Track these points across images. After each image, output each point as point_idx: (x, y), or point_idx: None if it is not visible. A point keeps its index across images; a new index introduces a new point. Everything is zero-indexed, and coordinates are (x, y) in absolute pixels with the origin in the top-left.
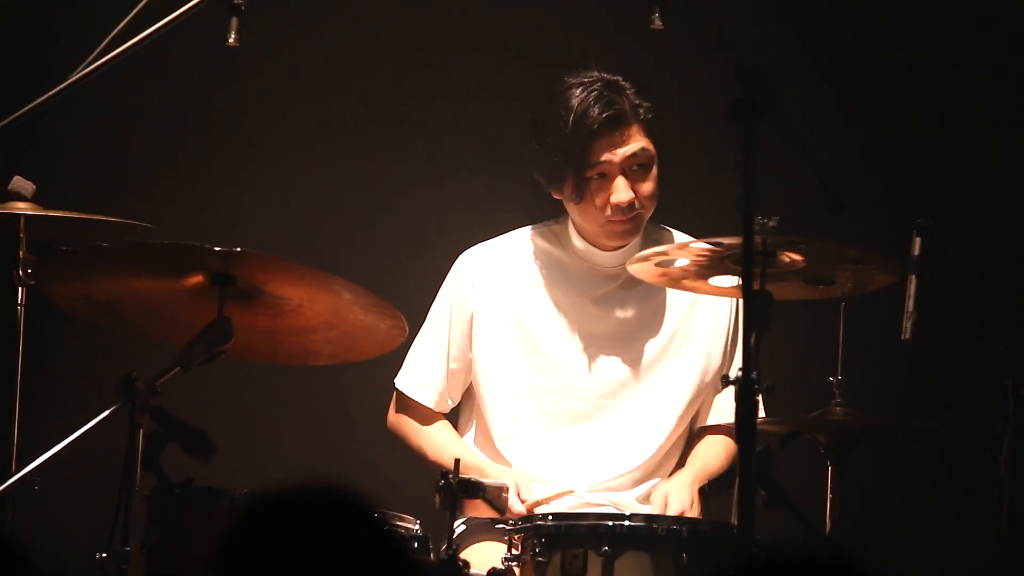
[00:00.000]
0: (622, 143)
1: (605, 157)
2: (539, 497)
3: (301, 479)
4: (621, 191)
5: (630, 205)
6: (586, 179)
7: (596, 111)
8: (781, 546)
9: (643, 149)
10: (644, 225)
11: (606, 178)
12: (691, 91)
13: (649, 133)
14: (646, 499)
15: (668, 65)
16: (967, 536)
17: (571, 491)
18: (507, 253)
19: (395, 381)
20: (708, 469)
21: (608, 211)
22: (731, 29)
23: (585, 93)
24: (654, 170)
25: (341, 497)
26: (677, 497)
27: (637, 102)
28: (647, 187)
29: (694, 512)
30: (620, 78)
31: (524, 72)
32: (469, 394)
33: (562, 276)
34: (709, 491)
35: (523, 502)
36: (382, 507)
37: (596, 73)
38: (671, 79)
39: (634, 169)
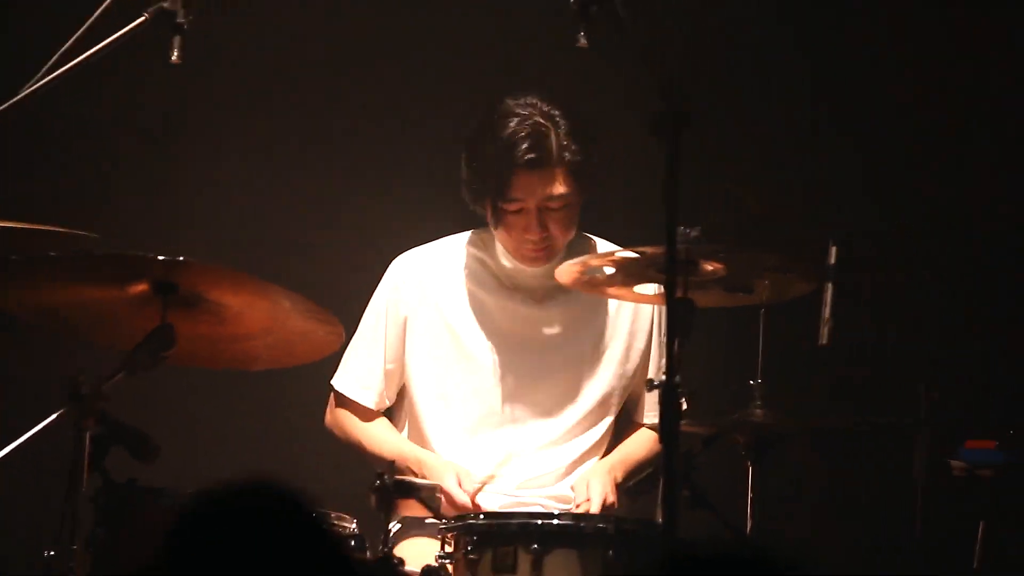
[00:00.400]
0: (541, 186)
1: (522, 195)
2: (476, 486)
3: (238, 477)
4: (533, 228)
5: (543, 238)
6: (502, 208)
7: (522, 150)
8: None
9: (562, 194)
10: (559, 252)
11: (521, 213)
12: (617, 101)
13: (572, 175)
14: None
15: (595, 75)
16: (882, 536)
17: (492, 477)
18: (439, 259)
19: (332, 382)
20: (630, 457)
21: (521, 240)
22: (654, 42)
23: (516, 127)
24: (572, 200)
25: (277, 494)
26: (598, 481)
27: (565, 143)
28: (561, 224)
29: (613, 496)
30: (558, 113)
31: (459, 81)
32: (401, 396)
33: (491, 282)
34: (635, 490)
35: (466, 492)
36: (319, 506)
37: (535, 102)
38: (599, 89)
39: (551, 208)
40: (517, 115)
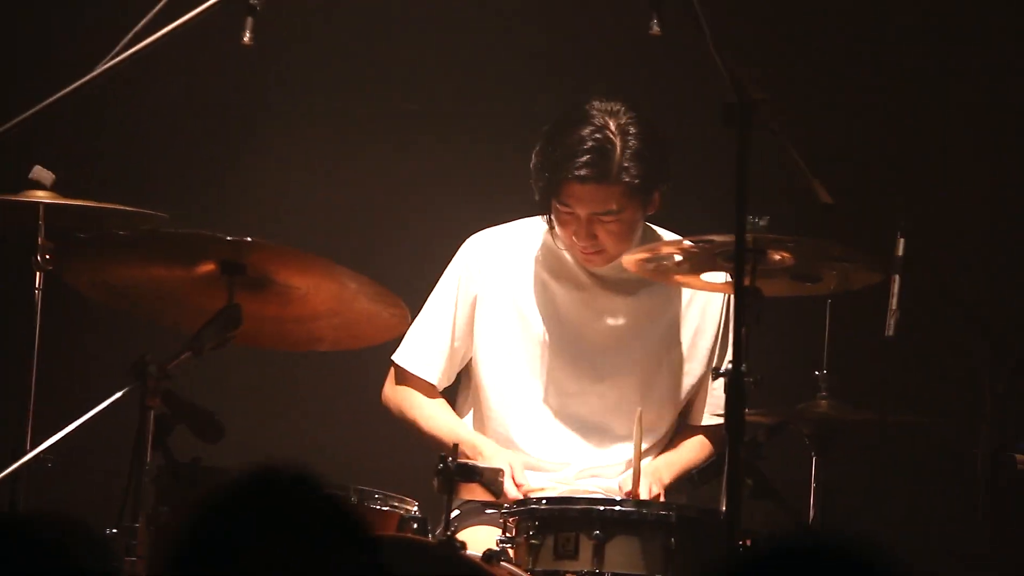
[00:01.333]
0: (592, 199)
1: (573, 203)
2: (533, 486)
3: (255, 463)
4: (582, 235)
5: (592, 244)
6: (557, 208)
7: (580, 161)
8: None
9: (612, 210)
10: (613, 259)
11: (572, 216)
12: (686, 90)
13: (628, 195)
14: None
15: (666, 64)
16: (946, 528)
17: (562, 468)
18: (513, 241)
19: (393, 357)
20: (679, 461)
21: (571, 241)
22: (725, 33)
23: (585, 135)
24: (626, 216)
25: (290, 476)
26: (644, 479)
27: (628, 164)
28: (613, 236)
29: (659, 491)
30: (634, 130)
31: (535, 64)
32: (467, 379)
33: (561, 269)
34: (698, 479)
35: (518, 487)
36: (382, 489)
37: (618, 110)
38: (668, 78)
39: (602, 220)
40: (591, 124)
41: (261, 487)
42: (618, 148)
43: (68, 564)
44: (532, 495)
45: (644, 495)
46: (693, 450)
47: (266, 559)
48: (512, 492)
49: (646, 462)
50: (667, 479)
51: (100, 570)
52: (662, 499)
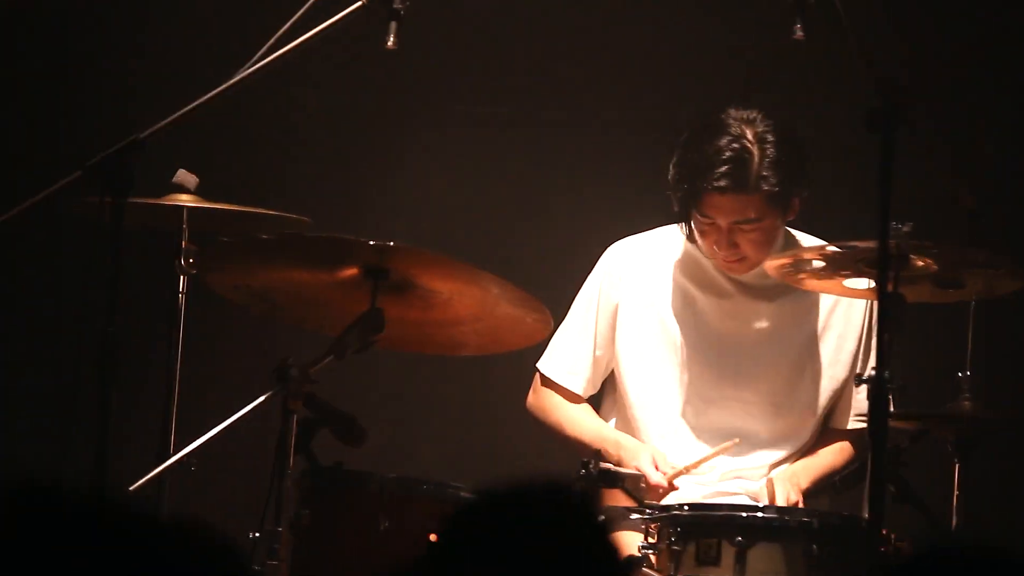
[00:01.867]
0: (732, 209)
1: (712, 213)
2: (679, 467)
3: (522, 478)
4: (723, 244)
5: (733, 252)
6: (697, 219)
7: (719, 172)
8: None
9: (751, 219)
10: (755, 266)
11: (712, 226)
12: (830, 95)
13: (767, 203)
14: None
15: (809, 69)
16: None
17: (729, 445)
18: (653, 248)
19: (538, 365)
20: (818, 466)
21: (712, 251)
22: (871, 38)
23: (723, 145)
24: (766, 224)
25: (564, 498)
26: (781, 484)
27: (767, 173)
28: (754, 244)
29: (797, 497)
30: (771, 139)
31: (676, 70)
32: (611, 386)
33: (704, 275)
34: (840, 486)
35: (664, 475)
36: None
37: (754, 119)
38: (812, 83)
39: (742, 229)
40: (728, 133)
41: (532, 506)
42: (756, 157)
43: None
44: (674, 479)
45: (781, 502)
46: (833, 455)
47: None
48: (655, 478)
49: (783, 468)
50: (805, 484)
51: None
52: (800, 505)
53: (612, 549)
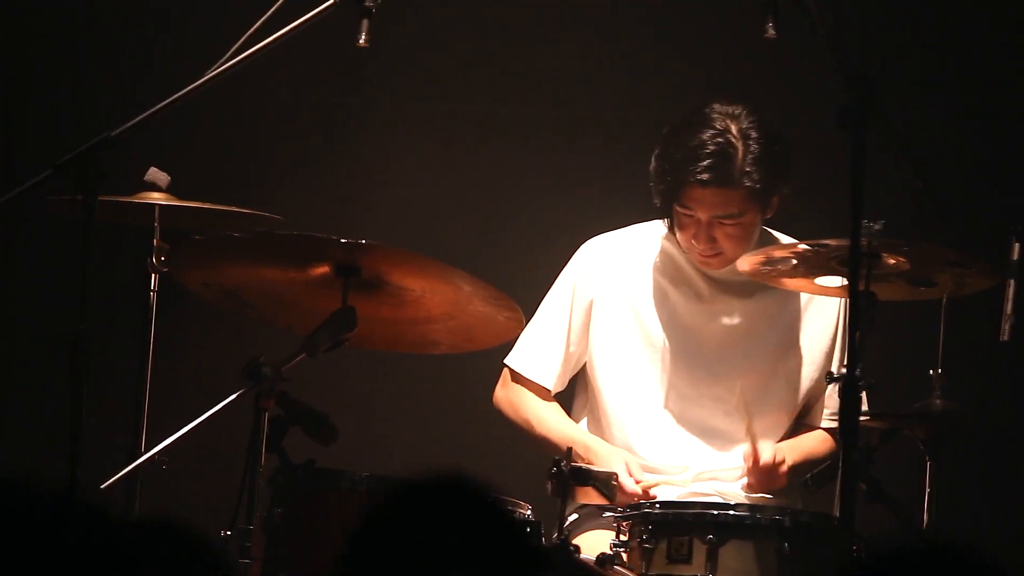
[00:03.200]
0: (714, 203)
1: (693, 206)
2: (650, 480)
3: (425, 469)
4: (701, 238)
5: (711, 247)
6: (676, 210)
7: (702, 165)
8: (881, 539)
9: (733, 214)
10: (731, 262)
11: (692, 219)
12: (800, 94)
13: (749, 199)
14: (750, 489)
15: (780, 66)
16: None
17: (680, 472)
18: (629, 245)
19: (506, 360)
20: (801, 448)
21: (690, 244)
22: (841, 35)
23: (707, 139)
24: (746, 220)
25: (466, 486)
26: (768, 447)
27: (749, 169)
28: (732, 239)
29: (782, 459)
30: (755, 135)
31: (647, 73)
32: (583, 386)
33: (679, 272)
34: (812, 484)
35: (637, 483)
36: (499, 494)
37: (739, 114)
38: (782, 80)
39: (723, 222)
40: (712, 127)
41: (436, 495)
42: (740, 152)
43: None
44: (650, 490)
45: (767, 459)
46: (816, 440)
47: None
48: (630, 486)
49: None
50: (790, 461)
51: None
52: (785, 468)
53: (522, 538)
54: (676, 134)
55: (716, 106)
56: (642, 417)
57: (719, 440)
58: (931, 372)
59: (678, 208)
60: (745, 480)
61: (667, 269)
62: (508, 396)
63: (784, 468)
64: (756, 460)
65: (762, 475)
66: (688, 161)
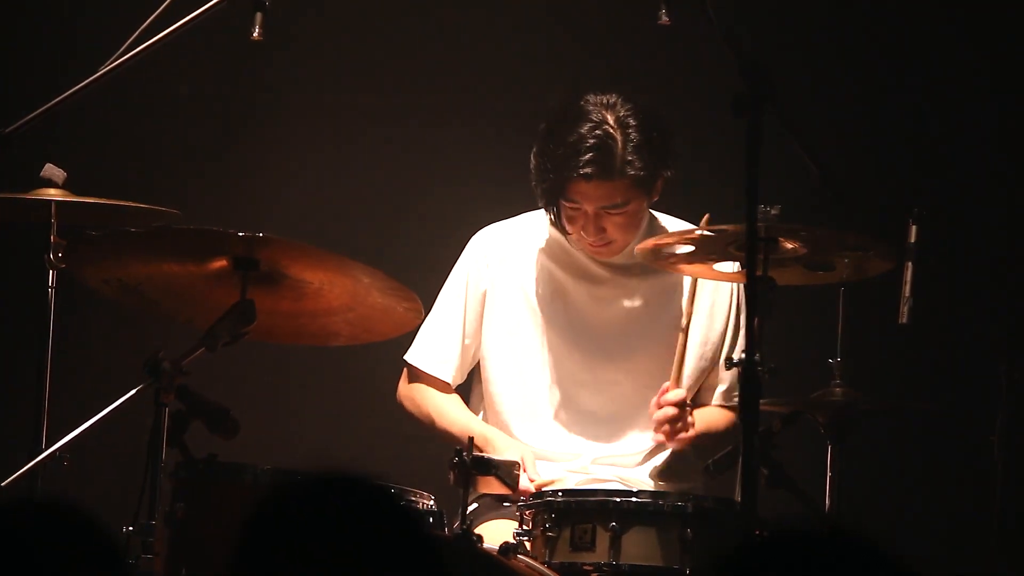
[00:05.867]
0: (599, 195)
1: (579, 199)
2: (545, 479)
3: (318, 464)
4: (590, 229)
5: (601, 238)
6: (563, 206)
7: (583, 160)
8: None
9: (618, 203)
10: (622, 250)
11: (579, 211)
12: (695, 80)
13: (634, 187)
14: (657, 475)
15: (674, 55)
16: (962, 515)
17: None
18: (520, 234)
19: (406, 357)
20: (705, 421)
21: (579, 236)
22: (735, 23)
23: (585, 133)
24: (632, 208)
25: (358, 478)
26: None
27: (631, 158)
28: (621, 228)
29: (691, 419)
30: (633, 122)
31: (539, 55)
32: (479, 376)
33: (570, 259)
34: (714, 469)
35: (531, 481)
36: (398, 484)
37: (614, 103)
38: (677, 69)
39: (610, 212)
40: (589, 120)
41: (330, 490)
42: (619, 142)
43: (72, 558)
44: (546, 488)
45: (678, 396)
46: (714, 414)
47: (331, 562)
48: (525, 485)
49: (669, 452)
50: (698, 429)
51: (107, 567)
52: (692, 420)
53: (417, 528)
54: (553, 130)
55: (590, 97)
56: (534, 406)
57: (615, 426)
58: (830, 360)
59: (564, 203)
60: (645, 469)
61: (559, 255)
62: (410, 392)
63: (691, 419)
64: (664, 392)
65: (668, 419)
66: (569, 157)
